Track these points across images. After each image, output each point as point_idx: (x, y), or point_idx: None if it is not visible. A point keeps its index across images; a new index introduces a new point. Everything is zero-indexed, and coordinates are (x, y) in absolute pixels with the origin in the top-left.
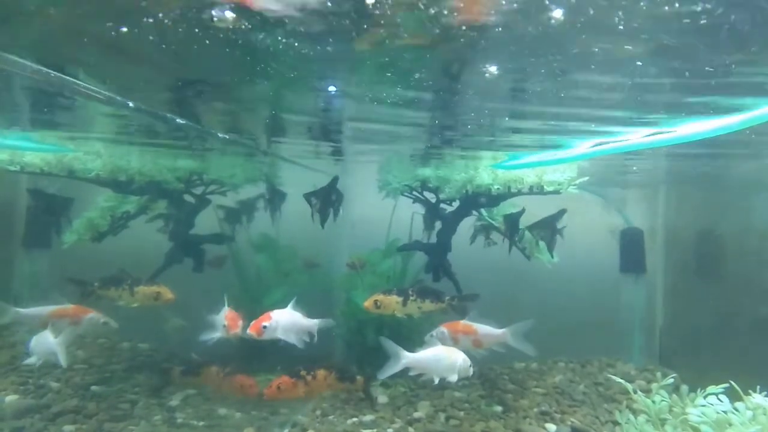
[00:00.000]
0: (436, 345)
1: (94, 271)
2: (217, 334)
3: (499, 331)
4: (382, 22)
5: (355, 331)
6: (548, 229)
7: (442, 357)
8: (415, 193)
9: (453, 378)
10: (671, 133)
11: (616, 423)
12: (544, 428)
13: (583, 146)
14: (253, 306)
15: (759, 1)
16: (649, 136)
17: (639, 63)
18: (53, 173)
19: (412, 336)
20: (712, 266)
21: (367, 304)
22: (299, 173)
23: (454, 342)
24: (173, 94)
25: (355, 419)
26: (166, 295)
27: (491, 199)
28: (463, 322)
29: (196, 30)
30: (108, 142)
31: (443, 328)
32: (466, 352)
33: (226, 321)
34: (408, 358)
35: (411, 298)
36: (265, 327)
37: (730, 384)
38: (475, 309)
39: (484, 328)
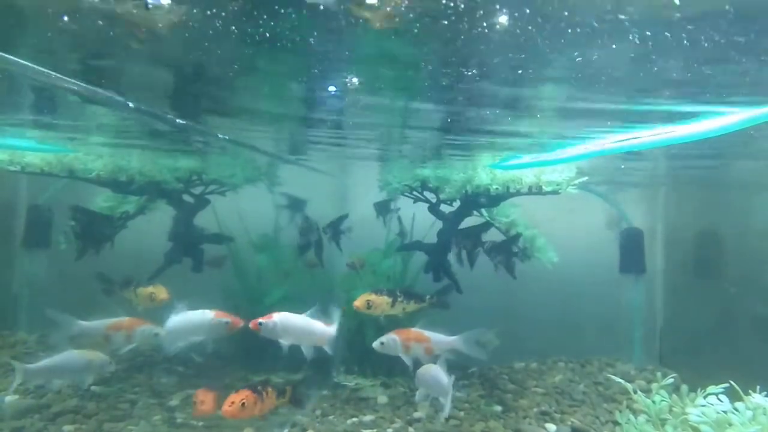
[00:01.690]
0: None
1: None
2: (180, 343)
3: (450, 339)
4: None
5: (355, 331)
6: (504, 253)
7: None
8: (415, 193)
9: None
10: (671, 133)
11: (616, 423)
12: (544, 428)
13: (583, 146)
14: (251, 306)
15: None
16: (649, 136)
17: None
18: (53, 173)
19: None
20: (712, 266)
21: (358, 303)
22: (298, 173)
23: (406, 350)
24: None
25: (355, 419)
26: (160, 294)
27: (491, 199)
28: (415, 330)
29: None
30: (109, 138)
31: (394, 335)
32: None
33: (227, 318)
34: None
35: (399, 299)
36: (261, 324)
37: (730, 384)
38: (428, 316)
39: (436, 336)
